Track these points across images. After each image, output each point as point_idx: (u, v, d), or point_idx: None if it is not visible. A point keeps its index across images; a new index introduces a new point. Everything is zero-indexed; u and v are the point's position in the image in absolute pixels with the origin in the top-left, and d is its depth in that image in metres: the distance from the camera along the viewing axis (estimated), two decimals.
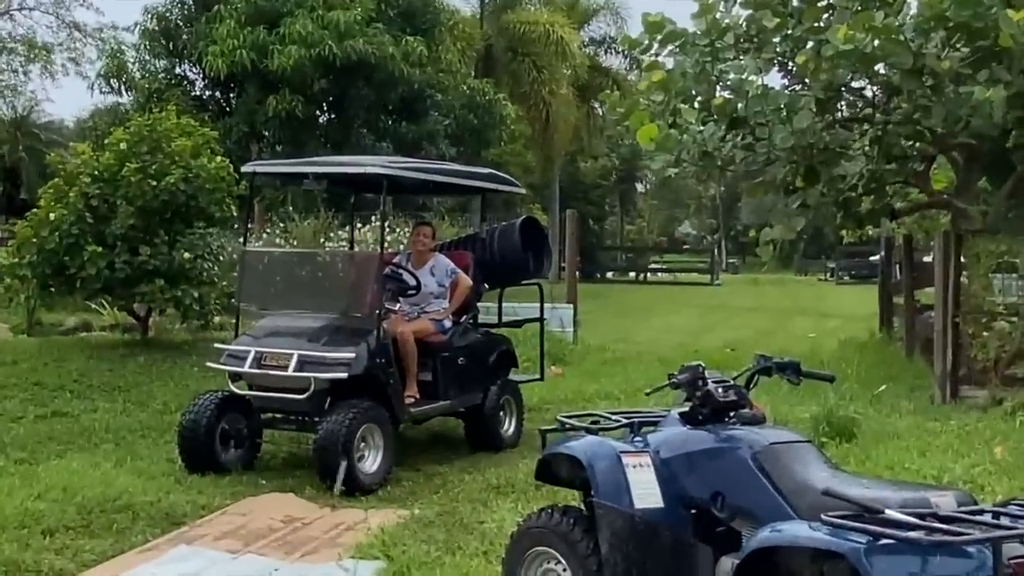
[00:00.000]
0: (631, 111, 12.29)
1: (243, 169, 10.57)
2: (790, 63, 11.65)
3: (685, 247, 67.49)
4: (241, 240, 11.40)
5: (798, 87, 11.64)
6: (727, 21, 11.68)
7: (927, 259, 13.55)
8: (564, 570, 4.48)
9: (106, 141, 12.58)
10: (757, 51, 11.61)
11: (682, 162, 11.56)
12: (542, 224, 10.54)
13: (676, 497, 4.23)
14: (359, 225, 13.40)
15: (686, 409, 4.41)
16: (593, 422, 4.79)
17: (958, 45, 9.93)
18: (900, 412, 9.81)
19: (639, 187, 62.48)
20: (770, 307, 25.80)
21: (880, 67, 10.75)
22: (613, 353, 15.03)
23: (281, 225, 18.38)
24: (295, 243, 16.37)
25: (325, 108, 24.95)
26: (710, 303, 28.31)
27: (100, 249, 11.77)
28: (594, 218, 47.52)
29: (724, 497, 4.13)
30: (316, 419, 7.99)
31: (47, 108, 28.47)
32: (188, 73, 25.54)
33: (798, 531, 3.57)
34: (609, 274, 44.39)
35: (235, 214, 12.81)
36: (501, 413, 9.50)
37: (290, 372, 8.10)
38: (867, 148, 11.51)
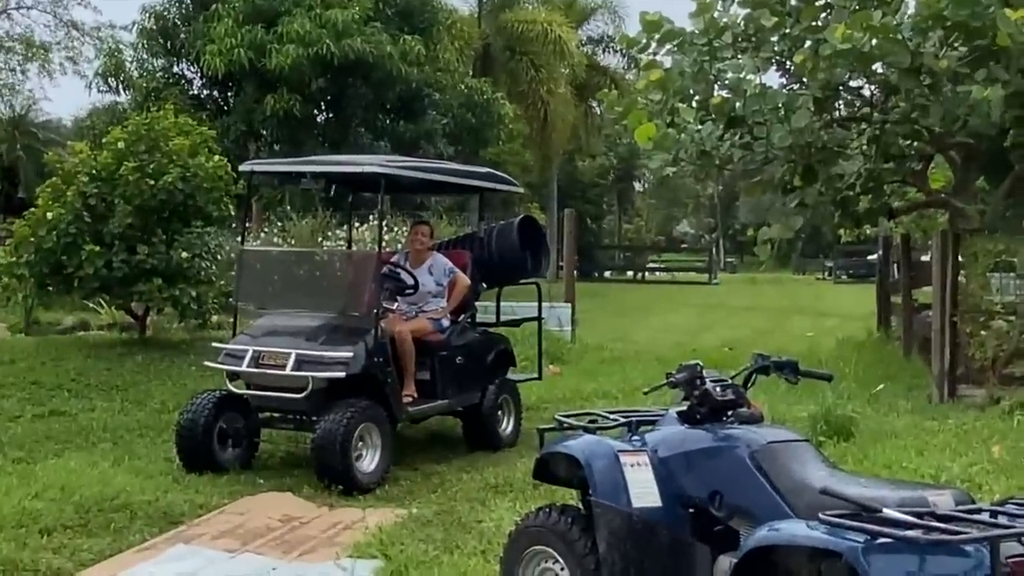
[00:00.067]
0: (629, 110, 12.31)
1: (241, 168, 10.57)
2: (788, 62, 11.66)
3: (683, 246, 67.58)
4: (239, 239, 11.41)
5: (796, 86, 11.66)
6: (725, 20, 11.71)
7: (925, 258, 13.56)
8: (562, 569, 4.48)
9: (104, 140, 12.59)
10: (755, 50, 11.63)
11: (680, 161, 11.58)
12: (540, 223, 10.55)
13: (674, 496, 4.23)
14: (357, 224, 13.42)
15: (684, 408, 4.41)
16: (591, 421, 4.79)
17: (956, 44, 9.95)
18: (898, 411, 9.83)
19: (637, 186, 62.56)
20: (768, 306, 25.83)
21: (878, 66, 10.78)
22: (611, 352, 15.05)
23: (279, 224, 18.40)
24: (293, 242, 16.39)
25: (323, 107, 24.97)
26: (708, 302, 28.34)
27: (98, 248, 11.78)
28: (592, 217, 47.56)
29: (722, 496, 4.14)
30: (314, 418, 7.99)
31: (45, 107, 28.54)
32: (186, 72, 25.59)
33: (796, 530, 3.58)
34: (607, 273, 44.44)
35: (233, 213, 12.82)
36: (499, 412, 9.50)
37: (288, 371, 8.10)
38: (865, 147, 11.54)
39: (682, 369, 4.45)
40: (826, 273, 49.66)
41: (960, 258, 11.05)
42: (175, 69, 25.50)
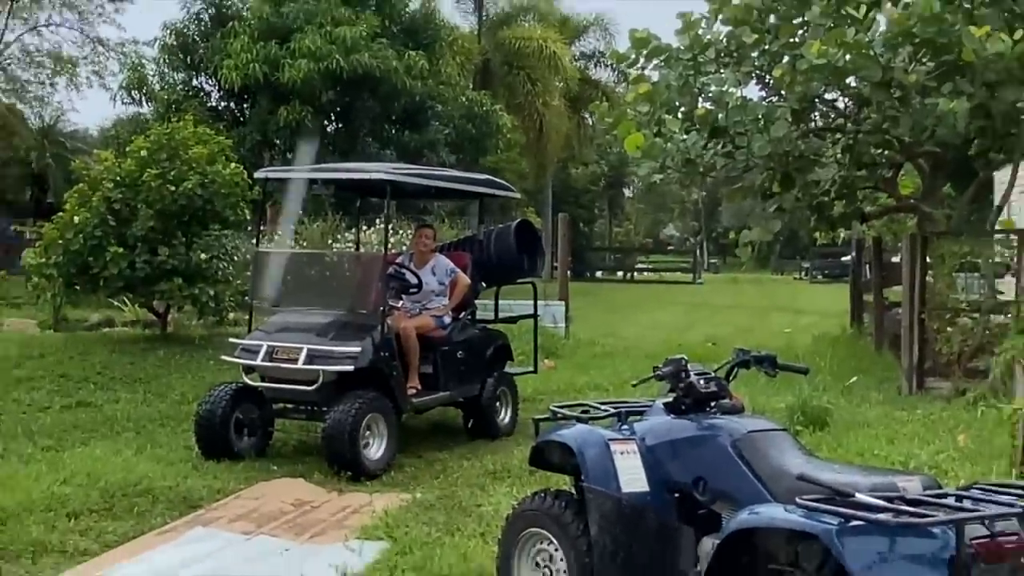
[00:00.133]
0: (619, 121, 12.34)
1: (256, 175, 10.59)
2: (767, 76, 11.68)
3: (669, 248, 67.61)
4: (254, 241, 11.42)
5: (774, 99, 11.67)
6: (708, 37, 11.73)
7: (895, 259, 13.59)
8: (556, 550, 4.48)
9: (127, 149, 12.59)
10: (736, 65, 11.64)
11: (666, 169, 11.61)
12: (536, 227, 10.55)
13: (660, 482, 4.24)
14: (364, 227, 13.41)
15: (670, 399, 4.42)
16: (583, 412, 4.79)
17: (924, 59, 9.96)
18: (870, 402, 9.84)
19: (626, 192, 62.53)
20: (748, 304, 25.82)
21: (851, 80, 10.79)
22: (602, 347, 15.05)
23: (293, 227, 18.39)
24: (305, 244, 16.36)
25: (333, 118, 24.95)
26: (692, 301, 28.33)
27: (122, 250, 11.78)
28: (584, 221, 47.62)
29: (705, 482, 4.14)
30: (324, 409, 8.01)
31: (72, 118, 28.45)
32: (204, 85, 25.55)
33: (775, 513, 3.58)
34: (598, 273, 44.39)
35: (248, 217, 12.82)
36: (497, 403, 9.51)
37: (300, 365, 8.12)
38: (839, 156, 11.55)
39: (668, 363, 4.45)
40: (803, 273, 49.69)
41: (928, 259, 11.07)
42: (194, 82, 25.47)
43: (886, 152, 11.82)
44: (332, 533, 6.26)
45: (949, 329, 10.96)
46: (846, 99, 11.60)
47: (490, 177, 11.52)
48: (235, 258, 12.47)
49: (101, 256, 11.81)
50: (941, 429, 8.20)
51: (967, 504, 3.40)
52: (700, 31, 11.76)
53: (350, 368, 8.04)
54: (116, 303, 13.56)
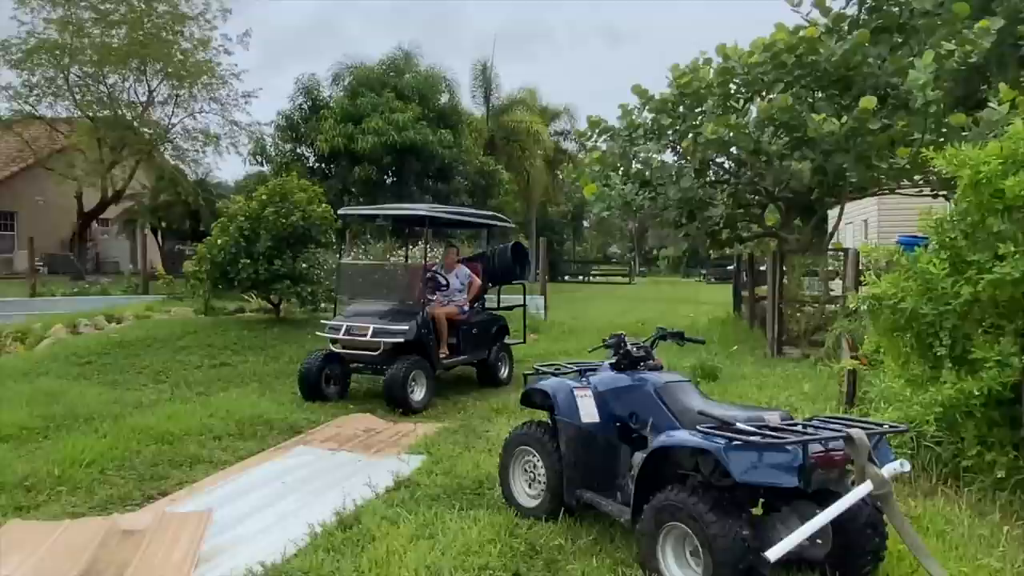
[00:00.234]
0: (580, 176, 12.49)
1: (339, 212, 10.60)
2: (678, 146, 11.70)
3: (613, 260, 67.51)
4: (338, 256, 11.55)
5: (683, 161, 11.68)
6: (639, 120, 11.77)
7: (762, 268, 13.61)
8: (538, 460, 4.54)
9: (253, 194, 12.61)
10: (657, 139, 11.67)
11: (611, 208, 11.66)
12: (525, 247, 10.58)
13: (607, 415, 4.29)
14: (411, 247, 13.44)
15: (614, 361, 4.46)
16: (556, 369, 4.83)
17: (781, 135, 9.98)
18: (745, 363, 9.89)
19: (585, 223, 62.37)
20: (665, 298, 25.83)
21: (733, 149, 10.81)
22: (568, 327, 15.06)
23: (363, 247, 18.40)
24: (371, 258, 16.38)
25: (390, 174, 24.99)
26: (628, 296, 28.30)
27: (249, 261, 11.83)
28: (557, 243, 47.59)
29: (637, 415, 4.18)
30: (384, 367, 8.06)
31: (216, 174, 28.56)
32: (304, 152, 25.62)
33: (683, 437, 3.60)
34: (566, 278, 44.26)
35: (334, 240, 12.89)
36: (499, 363, 9.55)
37: (368, 338, 8.19)
38: (725, 199, 11.58)
39: (612, 337, 4.51)
40: (702, 278, 49.78)
41: (784, 268, 11.12)
42: (297, 150, 25.54)
43: (756, 197, 11.86)
44: (389, 450, 6.31)
45: (798, 314, 11.02)
46: (730, 162, 11.63)
47: (494, 213, 11.55)
48: (324, 267, 12.52)
49: (235, 265, 11.86)
50: (793, 380, 8.26)
51: (809, 431, 3.42)
52: (634, 116, 11.80)
53: (401, 340, 8.11)
54: (245, 297, 13.56)
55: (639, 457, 3.95)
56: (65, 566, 3.91)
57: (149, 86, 23.17)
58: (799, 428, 3.46)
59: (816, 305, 10.86)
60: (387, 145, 23.19)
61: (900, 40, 10.51)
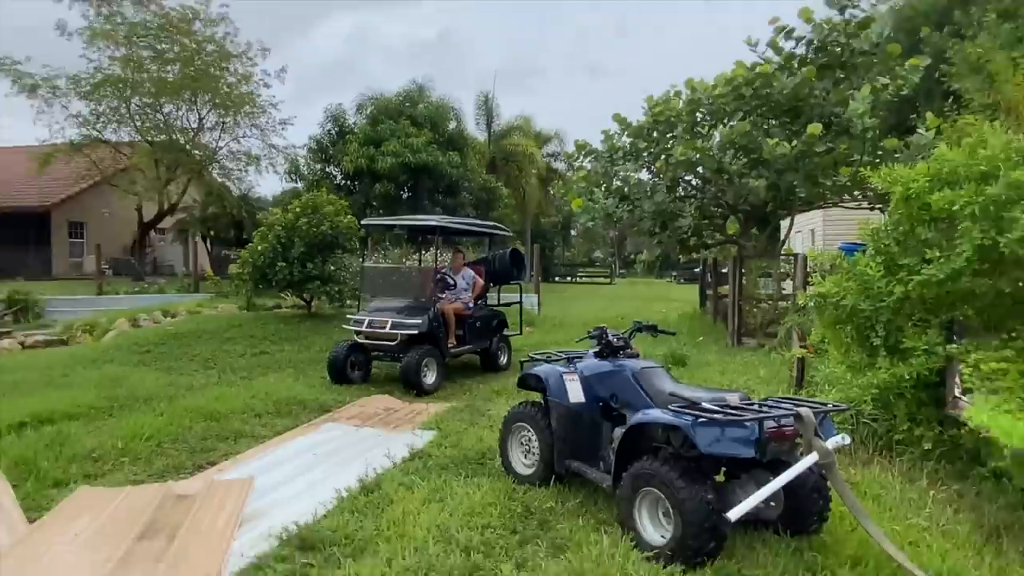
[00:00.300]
0: (569, 192, 12.45)
1: (362, 223, 10.59)
2: (652, 166, 11.72)
3: (596, 264, 67.45)
4: (361, 260, 11.54)
5: (656, 179, 11.70)
6: (619, 144, 11.78)
7: (724, 270, 13.61)
8: (532, 435, 4.53)
9: (288, 207, 12.58)
10: (635, 160, 11.68)
11: (595, 219, 11.68)
12: (521, 252, 10.56)
13: (591, 396, 4.28)
14: (423, 252, 13.42)
15: (597, 350, 4.45)
16: (548, 357, 4.82)
17: (740, 157, 10.00)
18: (710, 351, 9.89)
19: (573, 232, 62.36)
20: (642, 296, 25.78)
21: (700, 169, 10.83)
22: (559, 320, 15.04)
23: (383, 252, 18.37)
24: (390, 261, 16.35)
25: (406, 190, 24.93)
26: (609, 295, 28.24)
27: (285, 264, 11.81)
28: (549, 248, 47.42)
29: (617, 396, 4.18)
30: (401, 355, 8.04)
31: (257, 190, 28.49)
32: (332, 171, 25.51)
33: (656, 415, 3.61)
34: (556, 279, 44.23)
35: (358, 246, 12.86)
36: (499, 352, 9.51)
37: (387, 330, 8.16)
38: (693, 212, 11.59)
39: (595, 329, 4.51)
40: (673, 279, 49.74)
41: (743, 270, 11.12)
42: (326, 170, 25.43)
43: (719, 210, 11.86)
44: (405, 426, 6.30)
45: (755, 310, 11.03)
46: (697, 179, 11.63)
47: (495, 224, 11.52)
48: (349, 270, 12.49)
49: (273, 268, 11.84)
50: (750, 367, 8.27)
51: (765, 409, 3.42)
52: (614, 140, 11.81)
53: (415, 332, 8.08)
54: (282, 295, 13.53)
55: (619, 432, 3.96)
56: (127, 526, 3.91)
57: (199, 114, 23.09)
58: (755, 407, 3.47)
59: (770, 302, 10.86)
60: (403, 165, 23.16)
61: (842, 75, 10.54)
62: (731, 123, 10.22)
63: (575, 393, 4.26)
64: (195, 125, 23.26)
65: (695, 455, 3.40)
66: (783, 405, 3.49)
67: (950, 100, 11.34)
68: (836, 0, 10.36)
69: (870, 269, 4.72)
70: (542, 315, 15.71)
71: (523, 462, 4.57)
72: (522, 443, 4.61)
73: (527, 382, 4.71)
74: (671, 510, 3.34)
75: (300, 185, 24.80)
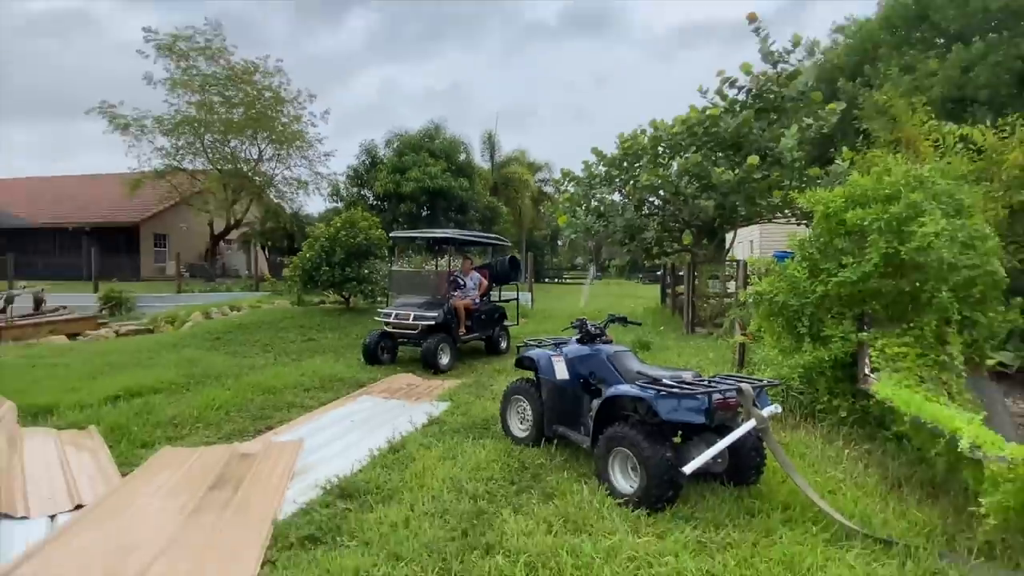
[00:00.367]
0: (556, 210, 12.43)
1: (390, 235, 10.56)
2: (623, 190, 11.70)
3: (578, 268, 67.35)
4: (389, 265, 11.49)
5: (627, 200, 11.69)
6: (596, 171, 11.75)
7: (681, 273, 13.58)
8: (526, 405, 4.51)
9: (331, 222, 12.58)
10: (609, 184, 11.67)
11: (577, 233, 11.66)
12: (518, 259, 10.54)
13: (574, 374, 4.26)
14: (440, 259, 13.42)
15: (579, 337, 4.44)
16: (539, 342, 4.80)
17: (694, 182, 10.00)
18: (669, 338, 9.87)
19: (559, 242, 62.26)
20: (614, 294, 25.73)
21: (661, 191, 10.82)
22: (548, 313, 15.03)
23: (407, 259, 18.34)
24: (412, 266, 16.32)
25: (425, 209, 24.89)
26: (589, 293, 28.26)
27: (328, 268, 11.80)
28: (540, 256, 47.26)
29: (595, 374, 4.17)
30: (421, 341, 7.99)
31: (305, 208, 28.38)
32: (366, 193, 25.45)
33: (626, 389, 3.60)
34: (546, 280, 44.20)
35: (387, 255, 12.83)
36: (500, 339, 9.44)
37: (410, 321, 8.12)
38: (656, 227, 11.58)
39: (577, 320, 4.48)
40: (640, 280, 49.69)
41: (695, 273, 11.10)
42: (361, 192, 25.37)
43: (677, 225, 11.85)
44: (426, 398, 6.27)
45: (705, 305, 10.99)
46: (658, 200, 11.62)
47: (497, 236, 11.48)
48: (380, 273, 12.46)
49: (319, 271, 11.82)
50: (701, 351, 8.26)
51: (713, 384, 3.42)
52: (592, 169, 11.78)
53: (433, 322, 8.05)
54: (325, 293, 13.52)
55: (596, 403, 3.96)
56: (201, 479, 3.89)
57: (259, 148, 23.02)
58: (706, 383, 3.47)
59: (717, 299, 10.85)
60: (423, 189, 23.11)
61: (775, 117, 10.54)
62: (686, 155, 10.22)
63: (561, 372, 4.26)
64: (256, 156, 23.21)
65: (657, 421, 3.40)
66: (728, 381, 3.49)
67: (861, 137, 11.33)
68: (770, 56, 10.38)
69: (797, 272, 4.73)
70: (535, 309, 15.69)
71: (519, 427, 4.56)
72: (518, 412, 4.60)
73: (522, 363, 4.69)
74: (638, 465, 3.34)
75: (340, 205, 24.72)
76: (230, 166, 22.24)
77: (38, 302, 12.72)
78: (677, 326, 11.57)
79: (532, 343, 4.80)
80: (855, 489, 3.55)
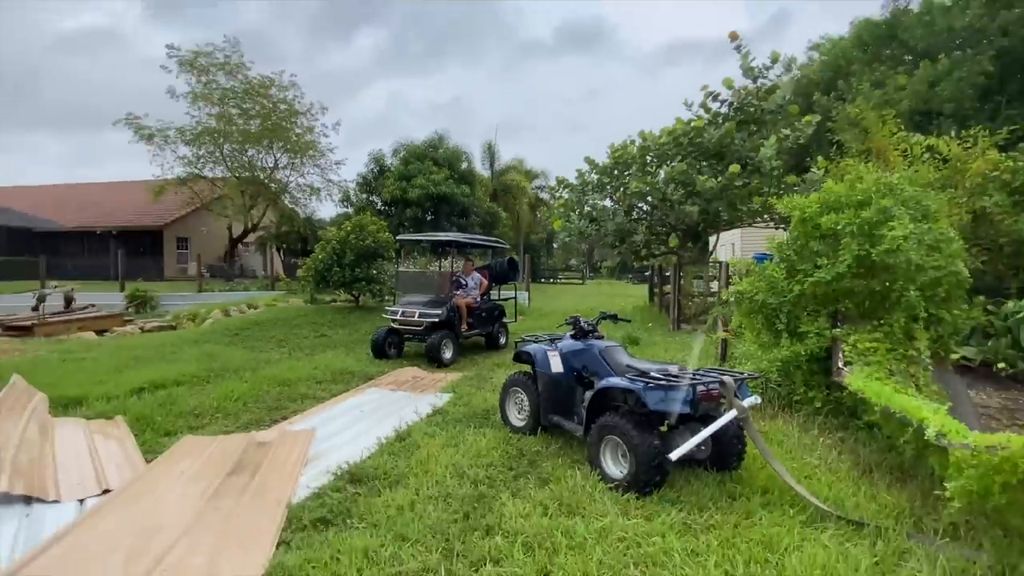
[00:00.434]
0: (551, 215, 12.44)
1: (397, 238, 10.52)
2: (614, 196, 11.71)
3: (572, 269, 67.31)
4: (396, 266, 11.48)
5: (617, 206, 11.69)
6: (589, 179, 11.76)
7: (667, 274, 13.59)
8: (524, 396, 4.50)
9: (342, 226, 12.56)
10: (600, 191, 11.67)
11: (571, 235, 11.67)
12: (516, 260, 10.53)
13: (568, 367, 4.26)
14: (443, 260, 13.41)
15: (572, 333, 4.43)
16: (536, 338, 4.80)
17: (680, 190, 10.00)
18: (656, 334, 9.87)
19: (554, 245, 62.20)
20: (605, 293, 25.74)
21: (649, 198, 10.82)
22: (544, 311, 15.02)
23: (412, 260, 18.31)
24: (417, 267, 16.30)
25: (430, 214, 24.85)
26: (581, 292, 28.20)
27: (339, 269, 11.76)
28: (537, 257, 47.29)
29: (587, 367, 4.16)
30: (426, 337, 7.96)
31: (318, 213, 28.21)
32: (375, 200, 25.41)
33: (617, 381, 3.60)
34: (542, 280, 44.14)
35: (394, 256, 12.80)
36: (499, 335, 9.40)
37: (416, 318, 8.09)
38: (644, 230, 11.59)
39: (571, 318, 4.48)
40: (629, 280, 49.66)
41: (681, 274, 11.10)
42: (370, 198, 25.32)
43: (664, 228, 11.87)
44: (430, 390, 6.26)
45: (690, 303, 11.00)
46: (647, 206, 11.63)
47: (496, 239, 11.48)
48: (387, 273, 12.44)
49: (330, 272, 11.78)
50: (686, 346, 8.25)
51: (697, 377, 3.42)
52: (585, 177, 11.78)
53: (437, 319, 8.02)
54: (336, 292, 13.48)
55: (588, 394, 3.95)
56: (220, 465, 3.88)
57: (275, 157, 22.97)
58: (690, 376, 3.47)
59: (701, 297, 10.87)
60: (428, 195, 23.07)
61: (755, 129, 10.56)
62: (672, 164, 10.23)
63: (556, 365, 4.26)
64: (271, 165, 23.17)
65: (645, 411, 3.39)
66: (711, 374, 3.50)
67: (835, 148, 11.36)
68: (750, 72, 10.38)
69: (776, 273, 4.73)
70: (531, 307, 15.67)
71: (517, 417, 4.55)
72: (516, 403, 4.60)
73: (520, 357, 4.68)
74: (628, 452, 3.34)
75: (350, 210, 24.67)
76: (247, 174, 22.21)
77: (68, 301, 12.69)
78: (664, 323, 11.56)
79: (529, 339, 4.78)
80: (829, 474, 3.56)
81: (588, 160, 11.62)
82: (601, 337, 4.38)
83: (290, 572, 2.62)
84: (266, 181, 22.69)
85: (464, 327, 8.62)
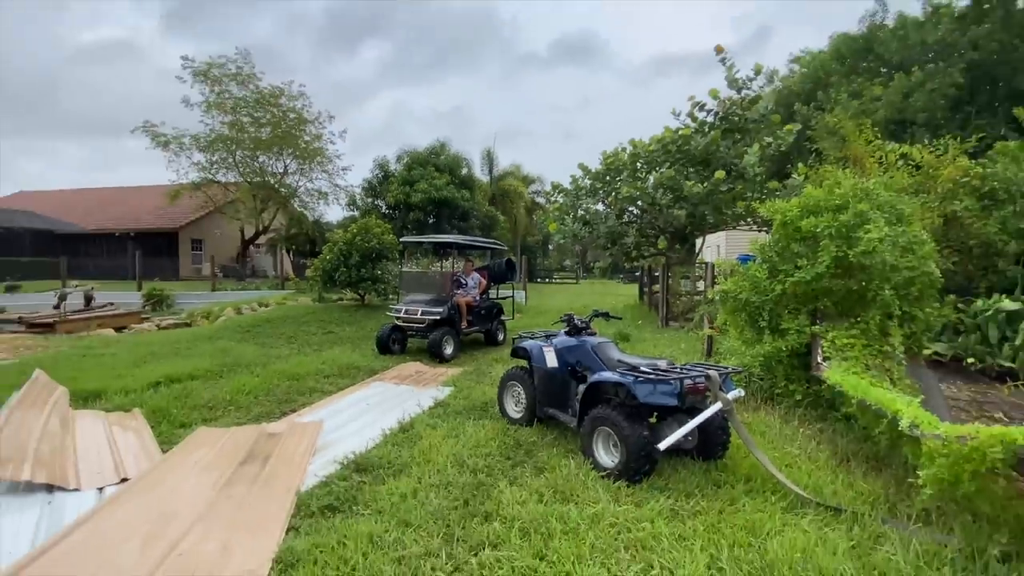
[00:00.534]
0: (547, 218, 12.38)
1: (401, 240, 10.49)
2: (606, 200, 11.70)
3: (566, 269, 67.22)
4: (399, 267, 11.43)
5: (609, 210, 11.68)
6: (583, 184, 11.74)
7: (656, 274, 13.59)
8: (521, 389, 4.50)
9: (348, 228, 12.50)
10: (593, 196, 11.66)
11: (566, 237, 11.65)
12: (514, 261, 10.52)
13: (563, 362, 4.25)
14: (444, 260, 13.38)
15: (567, 329, 4.43)
16: (532, 334, 4.79)
17: (668, 194, 10.00)
18: (646, 331, 9.86)
19: (550, 246, 62.13)
20: (598, 292, 25.73)
21: (639, 202, 10.82)
22: (540, 309, 15.01)
23: (415, 261, 18.28)
24: (419, 267, 16.28)
25: (432, 217, 24.80)
26: (575, 291, 28.20)
27: (345, 269, 11.71)
28: (533, 258, 47.23)
29: (580, 362, 4.16)
30: (428, 333, 7.93)
31: (326, 216, 28.12)
32: (379, 203, 25.34)
33: (608, 375, 3.60)
34: (538, 280, 44.07)
35: (398, 257, 12.78)
36: (498, 331, 9.36)
37: (418, 316, 8.06)
38: (634, 233, 11.59)
39: (566, 315, 4.47)
40: (621, 280, 49.61)
41: (669, 274, 11.10)
42: (375, 202, 25.25)
43: (653, 231, 11.86)
44: (432, 384, 6.24)
45: (678, 302, 10.97)
46: (637, 210, 11.62)
47: (495, 241, 11.46)
48: (391, 273, 12.40)
49: (337, 272, 11.72)
50: (674, 342, 8.25)
51: (684, 371, 3.42)
52: (579, 182, 11.77)
53: (438, 317, 7.99)
54: (343, 292, 13.44)
55: (582, 388, 3.96)
56: (232, 455, 3.87)
57: (285, 163, 22.90)
58: (678, 370, 3.47)
59: (688, 296, 10.87)
60: (430, 200, 23.04)
61: (739, 137, 10.57)
62: (661, 170, 10.23)
63: (551, 360, 4.26)
64: (281, 170, 23.11)
65: (635, 404, 3.40)
66: (697, 369, 3.50)
67: (814, 155, 11.39)
68: (735, 83, 10.39)
69: (759, 273, 4.74)
70: (528, 305, 15.65)
71: (514, 409, 4.55)
72: (513, 396, 4.60)
73: (517, 352, 4.68)
74: (619, 443, 3.35)
75: (356, 213, 24.60)
76: (259, 179, 22.17)
77: (88, 299, 12.64)
78: (653, 320, 11.56)
79: (526, 335, 4.77)
80: (808, 463, 3.56)
81: (581, 166, 11.61)
82: (594, 334, 4.38)
83: (299, 556, 2.61)
84: (276, 186, 22.63)
85: (464, 324, 8.59)
